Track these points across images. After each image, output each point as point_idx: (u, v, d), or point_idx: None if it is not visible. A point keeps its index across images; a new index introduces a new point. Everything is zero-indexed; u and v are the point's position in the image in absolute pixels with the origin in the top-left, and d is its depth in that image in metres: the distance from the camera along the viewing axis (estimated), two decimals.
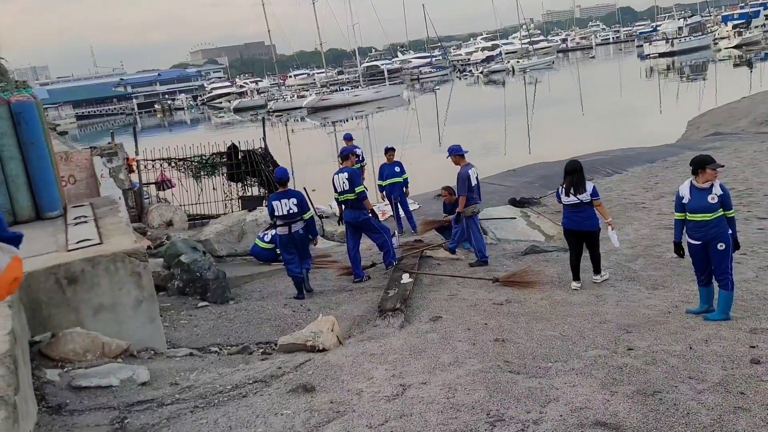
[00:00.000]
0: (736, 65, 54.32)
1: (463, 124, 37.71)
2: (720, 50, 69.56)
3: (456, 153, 9.37)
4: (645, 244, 9.43)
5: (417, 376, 4.79)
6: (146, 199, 12.58)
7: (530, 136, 28.46)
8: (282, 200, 8.19)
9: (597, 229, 7.84)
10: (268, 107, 63.63)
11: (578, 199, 7.69)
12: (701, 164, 6.30)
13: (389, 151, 11.71)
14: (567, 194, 7.78)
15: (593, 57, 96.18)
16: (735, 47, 67.51)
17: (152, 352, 5.66)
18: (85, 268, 5.53)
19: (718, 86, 37.21)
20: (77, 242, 6.09)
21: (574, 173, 7.80)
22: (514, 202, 11.94)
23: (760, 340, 5.54)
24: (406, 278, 8.16)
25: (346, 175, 8.81)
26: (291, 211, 8.16)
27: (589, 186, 7.82)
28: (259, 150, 13.07)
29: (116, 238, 6.16)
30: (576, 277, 7.88)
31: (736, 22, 78.47)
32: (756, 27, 76.97)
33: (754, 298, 6.84)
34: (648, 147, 17.96)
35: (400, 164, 11.67)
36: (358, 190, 8.79)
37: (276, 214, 8.24)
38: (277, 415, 4.20)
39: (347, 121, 48.29)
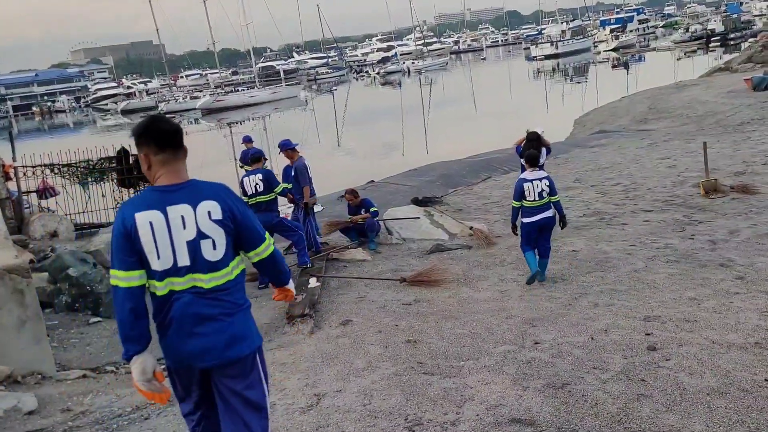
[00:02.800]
0: (614, 66, 57.90)
1: (362, 124, 37.93)
2: (599, 53, 73.95)
3: (287, 147, 9.62)
4: None
5: (331, 383, 4.67)
6: (27, 208, 11.65)
7: (427, 135, 28.98)
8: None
9: None
10: (160, 109, 61.18)
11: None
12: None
13: (291, 149, 11.42)
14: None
15: (484, 58, 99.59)
16: (613, 50, 71.94)
17: (39, 376, 5.21)
18: None
19: (600, 87, 39.49)
20: None
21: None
22: (417, 201, 12.01)
23: (654, 328, 5.82)
24: (313, 282, 8.01)
25: (260, 176, 8.63)
26: None
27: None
28: None
29: None
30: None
31: (613, 26, 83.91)
32: (631, 31, 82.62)
33: (645, 288, 7.19)
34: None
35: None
36: (278, 189, 8.72)
37: None
38: None
39: (244, 122, 47.28)
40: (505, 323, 6.26)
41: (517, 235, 8.14)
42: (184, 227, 2.70)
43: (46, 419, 4.41)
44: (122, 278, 2.71)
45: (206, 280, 2.72)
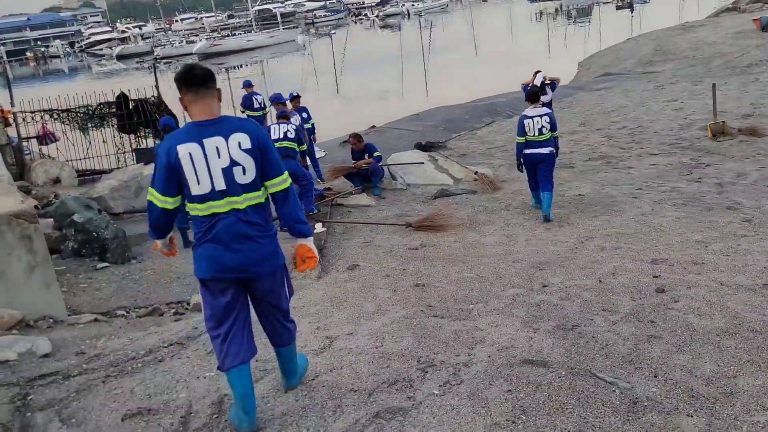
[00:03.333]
0: (618, 8, 56.59)
1: (361, 69, 37.30)
2: None
3: (277, 101, 10.26)
4: None
5: (342, 327, 4.69)
6: (27, 155, 11.55)
7: (428, 79, 28.54)
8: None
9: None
10: (155, 54, 60.10)
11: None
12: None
13: (295, 98, 11.28)
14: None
15: (486, 0, 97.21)
16: None
17: (51, 320, 5.24)
18: None
19: (603, 29, 38.67)
20: None
21: None
22: (420, 146, 11.92)
23: (662, 270, 5.82)
24: (319, 227, 8.00)
25: (292, 126, 8.99)
26: None
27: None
28: (152, 99, 12.26)
29: None
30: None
31: None
32: None
33: (652, 231, 7.18)
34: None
35: (306, 110, 11.30)
36: (303, 148, 9.15)
37: None
38: (199, 378, 3.98)
39: (242, 67, 46.50)
40: (512, 267, 6.26)
41: (522, 171, 8.58)
42: (219, 156, 3.10)
43: (61, 362, 4.44)
44: (158, 199, 3.20)
45: (240, 202, 3.16)
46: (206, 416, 3.50)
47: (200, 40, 60.56)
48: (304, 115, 11.25)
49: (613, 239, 6.99)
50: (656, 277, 5.64)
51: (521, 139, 8.23)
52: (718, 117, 11.10)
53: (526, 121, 8.18)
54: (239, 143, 3.12)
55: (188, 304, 5.85)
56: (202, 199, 3.12)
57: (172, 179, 3.12)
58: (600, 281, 5.62)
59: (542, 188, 8.21)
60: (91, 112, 11.92)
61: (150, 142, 12.34)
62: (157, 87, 12.57)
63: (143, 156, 11.46)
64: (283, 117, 9.36)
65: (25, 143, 11.46)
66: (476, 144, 13.03)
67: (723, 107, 12.08)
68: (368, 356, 4.09)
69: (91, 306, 5.89)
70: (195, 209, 3.15)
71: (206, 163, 3.08)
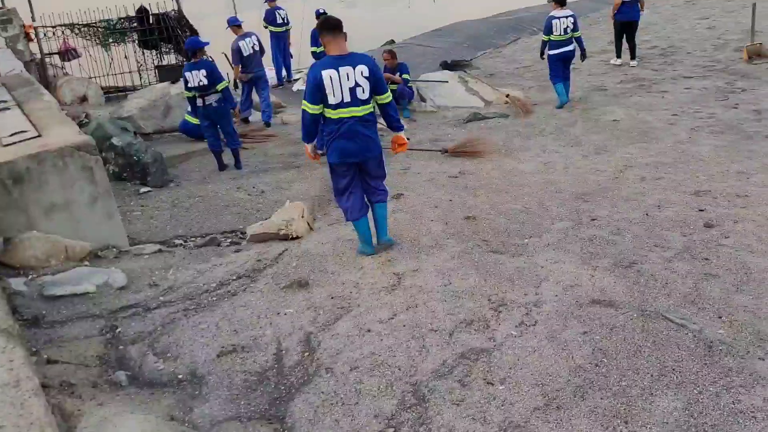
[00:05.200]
0: None
1: None
2: None
3: (232, 24, 10.19)
4: (581, 107, 9.63)
5: (406, 262, 4.83)
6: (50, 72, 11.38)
7: None
8: (193, 71, 7.96)
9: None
10: None
11: None
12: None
13: (321, 15, 10.97)
14: None
15: None
16: None
17: (116, 250, 5.37)
18: (30, 165, 5.03)
19: None
20: (10, 135, 5.48)
21: None
22: (446, 66, 11.72)
23: (706, 203, 5.91)
24: None
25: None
26: (202, 83, 7.97)
27: None
28: (173, 13, 11.93)
29: (56, 128, 5.59)
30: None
31: None
32: None
33: (691, 160, 7.21)
34: (573, 2, 17.84)
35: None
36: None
37: (189, 85, 8.03)
38: (281, 314, 4.16)
39: None
40: (556, 198, 6.34)
41: (543, 59, 9.99)
42: (348, 79, 4.53)
43: (137, 294, 4.60)
44: (310, 107, 4.61)
45: (359, 111, 4.63)
46: (298, 354, 3.69)
47: None
48: None
49: (653, 169, 7.03)
50: (702, 210, 5.74)
51: (546, 38, 9.55)
52: (755, 38, 10.86)
53: (554, 21, 9.37)
54: (362, 72, 4.54)
55: (242, 234, 5.97)
56: (335, 107, 4.57)
57: (318, 93, 4.52)
58: (647, 215, 5.72)
59: (566, 79, 9.74)
60: (112, 27, 11.63)
61: (172, 59, 12.11)
62: (177, 0, 12.21)
63: (167, 74, 11.29)
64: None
65: (47, 59, 11.26)
66: (503, 63, 12.80)
67: (758, 26, 11.74)
68: (439, 294, 4.24)
69: (149, 235, 6.01)
70: (329, 113, 4.61)
71: (339, 83, 4.50)
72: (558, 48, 9.42)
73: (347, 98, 4.54)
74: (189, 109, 9.77)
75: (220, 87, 8.06)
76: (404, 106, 10.21)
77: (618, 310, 3.96)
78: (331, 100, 4.54)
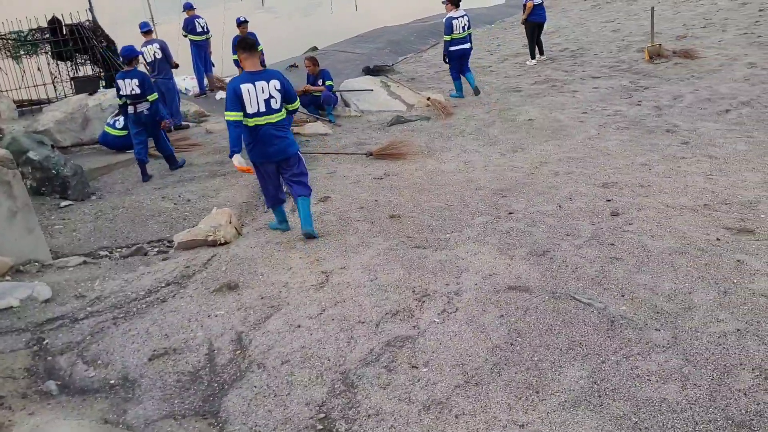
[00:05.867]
0: None
1: None
2: None
3: (142, 30, 10.69)
4: (499, 108, 10.05)
5: (333, 261, 4.99)
6: None
7: None
8: (126, 80, 8.14)
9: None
10: None
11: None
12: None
13: (242, 23, 11.03)
14: None
15: None
16: None
17: (39, 264, 5.30)
18: None
19: None
20: None
21: None
22: (369, 71, 11.96)
23: (613, 194, 6.33)
24: None
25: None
26: (134, 92, 8.14)
27: None
28: (87, 23, 11.66)
29: None
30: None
31: None
32: None
33: (599, 154, 7.68)
34: (486, 7, 18.51)
35: (254, 35, 11.08)
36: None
37: (121, 93, 8.20)
38: (211, 317, 4.23)
39: None
40: (476, 194, 6.64)
41: (447, 63, 10.72)
42: (263, 92, 5.25)
43: (63, 306, 4.57)
44: (232, 115, 5.22)
45: (273, 118, 5.33)
46: (230, 352, 3.79)
47: None
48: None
49: (565, 164, 7.45)
50: (609, 200, 6.15)
51: (448, 38, 10.33)
52: (655, 39, 11.60)
53: (453, 21, 10.23)
54: (275, 86, 5.28)
55: (169, 242, 5.98)
56: (252, 116, 5.25)
57: (237, 103, 5.19)
58: (559, 206, 6.09)
59: (466, 73, 10.63)
60: (23, 39, 11.27)
61: (88, 70, 11.84)
62: (91, 10, 11.94)
63: (84, 85, 11.03)
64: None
65: None
66: (423, 67, 13.16)
67: (657, 28, 12.56)
68: (366, 289, 4.42)
69: (72, 248, 5.94)
70: (247, 121, 5.27)
71: (256, 95, 5.22)
72: (458, 45, 10.36)
73: (262, 108, 5.25)
74: (110, 121, 9.63)
75: (150, 98, 8.17)
76: (329, 111, 10.38)
77: (532, 294, 4.24)
78: (249, 110, 5.23)
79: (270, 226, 5.97)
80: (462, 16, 10.31)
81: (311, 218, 5.62)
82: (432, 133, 9.30)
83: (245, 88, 5.17)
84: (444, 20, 10.51)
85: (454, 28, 10.26)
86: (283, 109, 5.40)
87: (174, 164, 8.64)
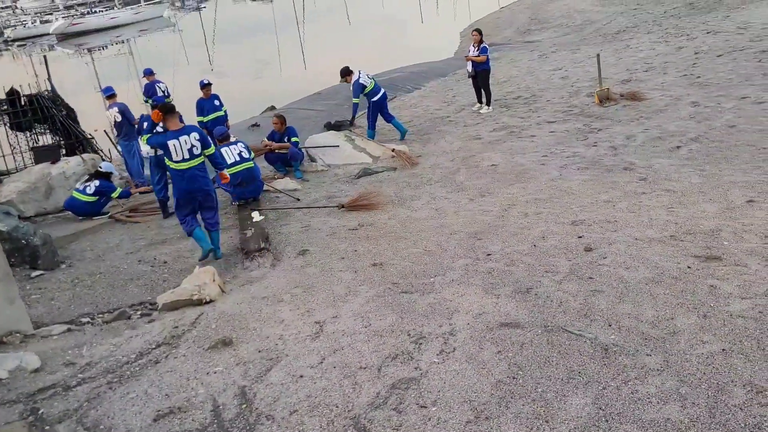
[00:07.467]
0: None
1: (235, 43, 36.55)
2: None
3: (105, 94, 11.36)
4: (462, 156, 10.36)
5: (324, 311, 5.04)
6: None
7: (304, 52, 28.62)
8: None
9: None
10: (6, 35, 55.31)
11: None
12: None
13: (206, 86, 11.19)
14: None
15: None
16: None
17: (21, 335, 5.18)
18: None
19: None
20: None
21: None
22: (330, 126, 12.16)
23: (583, 231, 6.59)
24: (256, 216, 8.18)
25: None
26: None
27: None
28: (46, 93, 11.65)
29: None
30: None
31: None
32: None
33: (564, 195, 7.98)
34: (439, 61, 19.15)
35: (218, 97, 11.26)
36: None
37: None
38: (210, 373, 4.22)
39: (107, 47, 43.92)
40: (452, 239, 6.81)
41: (354, 124, 12.02)
42: (186, 144, 6.81)
43: (54, 374, 4.48)
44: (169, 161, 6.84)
45: (195, 162, 6.88)
46: (235, 407, 3.78)
47: (56, 18, 56.15)
48: (216, 102, 11.23)
49: (533, 205, 7.72)
50: (581, 237, 6.39)
51: (357, 100, 11.46)
52: (603, 84, 12.21)
53: (361, 80, 11.30)
54: (195, 137, 6.85)
55: (152, 304, 5.93)
56: (178, 162, 6.79)
57: (167, 152, 6.77)
58: (534, 245, 6.30)
59: (392, 121, 11.86)
60: None
61: (48, 139, 11.75)
62: (50, 79, 11.95)
63: (44, 155, 10.95)
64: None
65: None
66: (382, 121, 13.46)
67: (603, 74, 13.23)
68: (362, 336, 4.48)
69: (52, 316, 5.83)
70: (173, 165, 6.84)
71: (180, 147, 6.77)
72: (376, 95, 11.56)
73: (186, 156, 6.82)
74: (79, 187, 9.57)
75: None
76: (296, 167, 10.52)
77: (524, 329, 4.37)
78: (175, 158, 6.81)
79: (194, 238, 7.22)
80: (368, 75, 11.58)
81: (219, 242, 7.27)
82: (400, 182, 9.51)
83: (171, 143, 6.78)
84: (352, 86, 11.44)
85: (368, 85, 11.42)
86: (202, 154, 6.93)
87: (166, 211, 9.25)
